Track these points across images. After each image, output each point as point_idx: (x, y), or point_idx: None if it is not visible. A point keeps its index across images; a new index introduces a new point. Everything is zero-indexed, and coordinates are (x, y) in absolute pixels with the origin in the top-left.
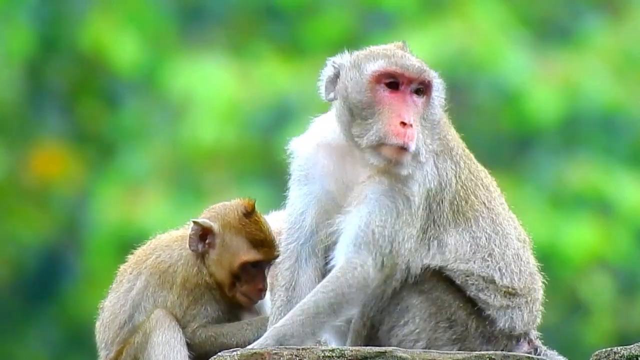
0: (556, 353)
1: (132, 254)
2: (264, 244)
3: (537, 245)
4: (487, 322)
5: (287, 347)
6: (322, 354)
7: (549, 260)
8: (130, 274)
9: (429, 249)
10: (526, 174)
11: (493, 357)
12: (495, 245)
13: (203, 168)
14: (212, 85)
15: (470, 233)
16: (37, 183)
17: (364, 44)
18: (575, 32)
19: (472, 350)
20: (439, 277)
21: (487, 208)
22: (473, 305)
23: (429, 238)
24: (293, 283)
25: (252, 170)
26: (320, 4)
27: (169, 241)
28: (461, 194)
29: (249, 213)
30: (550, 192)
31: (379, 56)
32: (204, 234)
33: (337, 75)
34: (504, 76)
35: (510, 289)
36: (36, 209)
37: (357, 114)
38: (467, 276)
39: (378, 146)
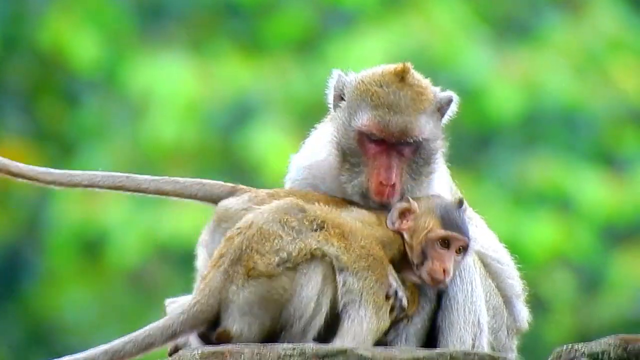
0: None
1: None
2: None
3: None
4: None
5: (247, 345)
6: (283, 352)
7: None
8: None
9: None
10: (487, 171)
11: (454, 354)
12: None
13: (164, 166)
14: (173, 83)
15: None
16: None
17: (324, 42)
18: (535, 30)
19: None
20: None
21: None
22: None
23: None
24: None
25: (213, 168)
26: (281, 2)
27: None
28: None
29: None
30: (511, 189)
31: (369, 106)
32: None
33: (342, 93)
34: (464, 73)
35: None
36: None
37: (346, 158)
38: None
39: (362, 194)
